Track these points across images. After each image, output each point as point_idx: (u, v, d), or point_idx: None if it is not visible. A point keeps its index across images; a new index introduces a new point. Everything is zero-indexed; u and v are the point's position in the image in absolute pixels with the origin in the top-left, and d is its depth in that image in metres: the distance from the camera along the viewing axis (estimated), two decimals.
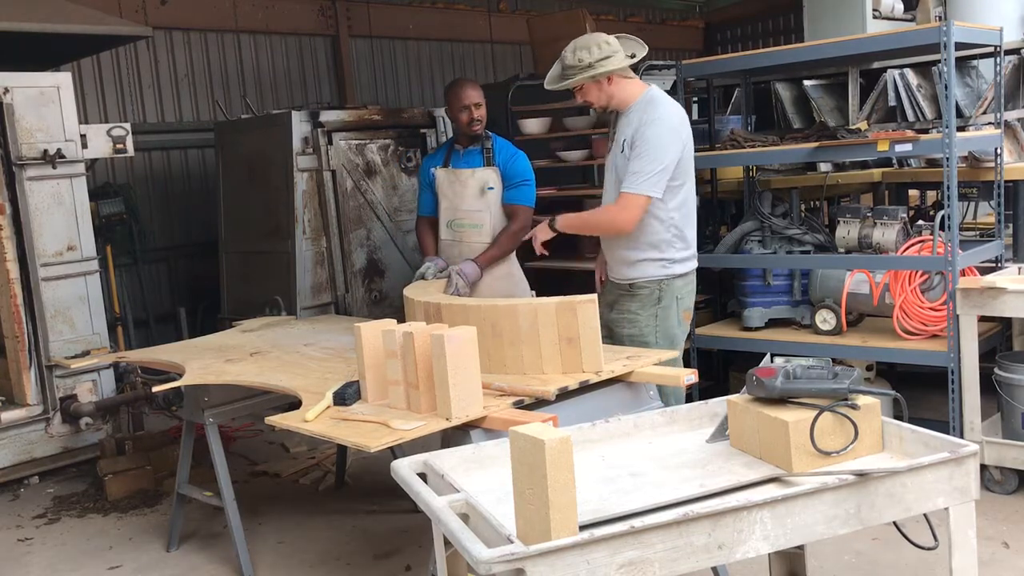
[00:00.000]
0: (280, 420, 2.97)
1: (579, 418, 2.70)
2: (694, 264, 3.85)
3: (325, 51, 9.32)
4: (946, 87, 4.00)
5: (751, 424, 2.26)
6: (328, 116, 6.46)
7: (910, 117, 5.22)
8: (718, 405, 2.52)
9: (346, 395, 3.06)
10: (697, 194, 3.90)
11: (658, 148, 3.59)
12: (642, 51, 3.69)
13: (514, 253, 4.57)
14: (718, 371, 5.59)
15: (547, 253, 3.98)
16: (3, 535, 4.62)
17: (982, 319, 4.34)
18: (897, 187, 5.96)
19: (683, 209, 3.75)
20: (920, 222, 4.89)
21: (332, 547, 4.18)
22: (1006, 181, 4.79)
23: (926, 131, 4.91)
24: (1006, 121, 4.92)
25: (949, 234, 4.06)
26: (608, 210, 3.78)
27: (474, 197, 4.50)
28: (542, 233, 3.92)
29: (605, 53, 3.62)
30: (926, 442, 2.14)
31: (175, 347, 4.47)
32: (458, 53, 10.50)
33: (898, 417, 2.29)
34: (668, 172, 3.61)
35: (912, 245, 4.37)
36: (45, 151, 5.26)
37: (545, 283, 4.89)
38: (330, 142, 6.40)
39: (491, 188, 4.48)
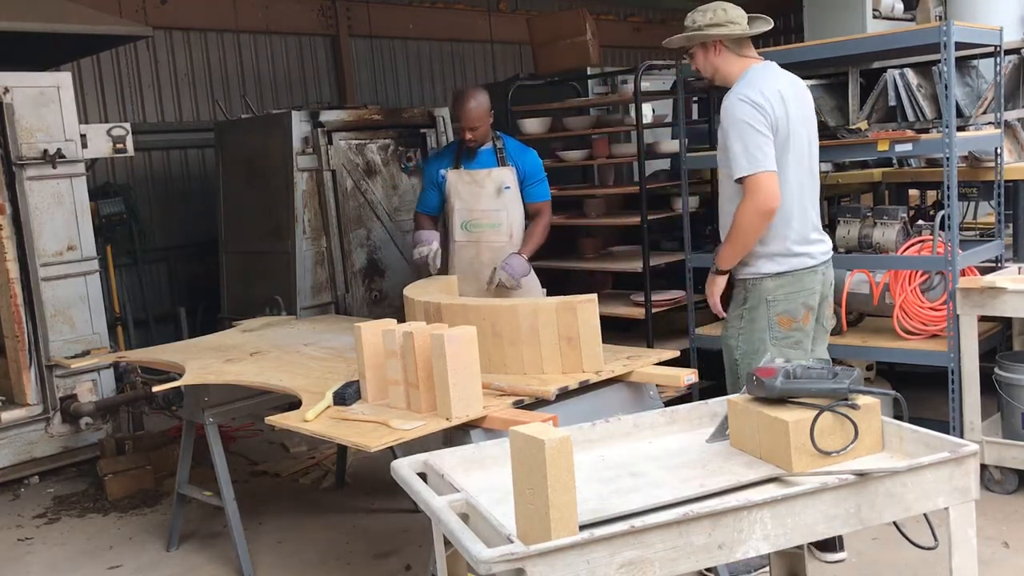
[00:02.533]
0: (280, 420, 2.97)
1: (579, 418, 2.69)
2: (801, 263, 3.43)
3: (325, 51, 9.32)
4: (946, 87, 3.99)
5: (751, 424, 2.26)
6: (328, 116, 6.46)
7: (910, 117, 5.22)
8: (718, 405, 2.52)
9: (346, 395, 3.06)
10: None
11: (744, 124, 3.29)
12: (766, 26, 3.41)
13: None
14: (718, 371, 5.58)
15: (724, 313, 3.60)
16: (3, 535, 4.62)
17: (982, 319, 4.34)
18: (897, 187, 5.96)
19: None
20: (920, 222, 4.89)
21: (332, 547, 4.18)
22: (1006, 181, 4.79)
23: (926, 131, 4.90)
24: (1006, 121, 4.92)
25: (949, 234, 4.05)
26: (742, 207, 3.34)
27: (491, 197, 4.53)
28: (717, 287, 3.55)
29: (719, 20, 3.36)
30: (926, 442, 2.14)
31: (175, 347, 4.47)
32: (458, 53, 10.50)
33: (898, 417, 2.29)
34: (768, 141, 3.28)
35: (912, 245, 4.37)
36: (45, 151, 5.26)
37: (545, 283, 4.88)
38: (330, 142, 6.40)
39: (507, 188, 4.52)
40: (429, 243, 4.45)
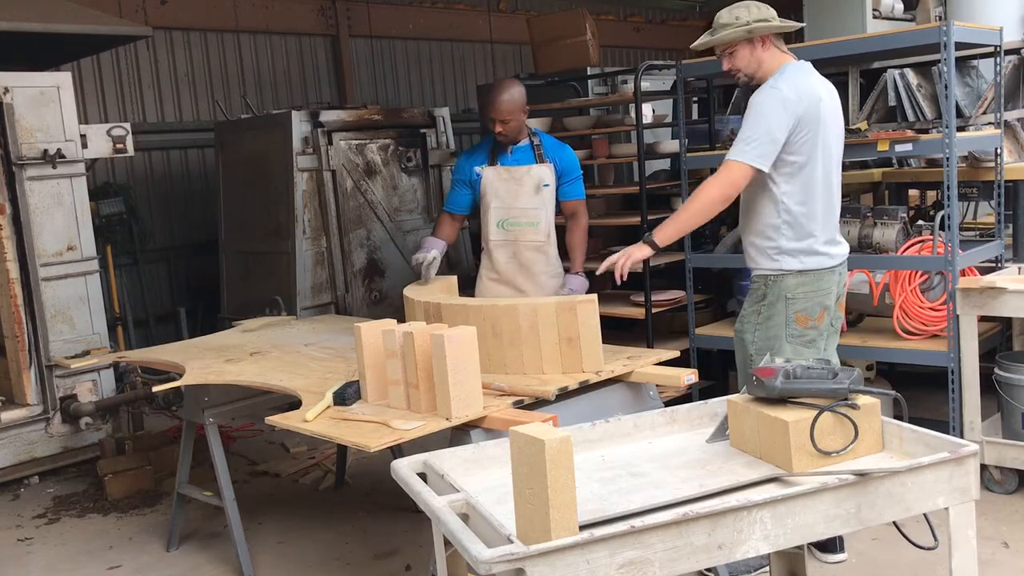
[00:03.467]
0: (280, 420, 2.97)
1: (579, 418, 2.70)
2: (822, 263, 3.41)
3: (325, 51, 9.32)
4: (946, 87, 3.99)
5: (751, 424, 2.26)
6: (328, 116, 6.46)
7: (910, 117, 5.22)
8: (718, 405, 2.52)
9: (346, 395, 3.06)
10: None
11: (761, 114, 3.29)
12: (797, 25, 3.43)
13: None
14: (718, 371, 5.58)
15: (624, 279, 3.53)
16: (3, 535, 4.62)
17: (982, 319, 4.34)
18: (897, 187, 5.95)
19: (802, 195, 3.36)
20: (920, 222, 4.89)
21: (332, 547, 4.18)
22: (1006, 181, 4.79)
23: (926, 131, 4.91)
24: (1006, 121, 4.92)
25: (949, 234, 4.06)
26: (710, 182, 3.36)
27: (529, 195, 4.40)
28: (640, 253, 3.46)
29: (764, 15, 3.36)
30: (926, 442, 2.14)
31: (175, 347, 4.46)
32: (458, 53, 10.50)
33: (898, 417, 2.29)
34: (776, 143, 3.27)
35: (912, 245, 4.37)
36: (45, 151, 5.26)
37: None
38: (330, 142, 6.40)
39: (546, 185, 4.40)
40: (428, 250, 4.31)
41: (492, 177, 4.44)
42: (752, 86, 3.52)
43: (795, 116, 3.29)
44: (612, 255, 3.49)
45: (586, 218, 4.59)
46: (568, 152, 4.52)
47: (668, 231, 3.45)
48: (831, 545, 3.56)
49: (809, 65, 3.47)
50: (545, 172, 4.41)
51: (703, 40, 3.54)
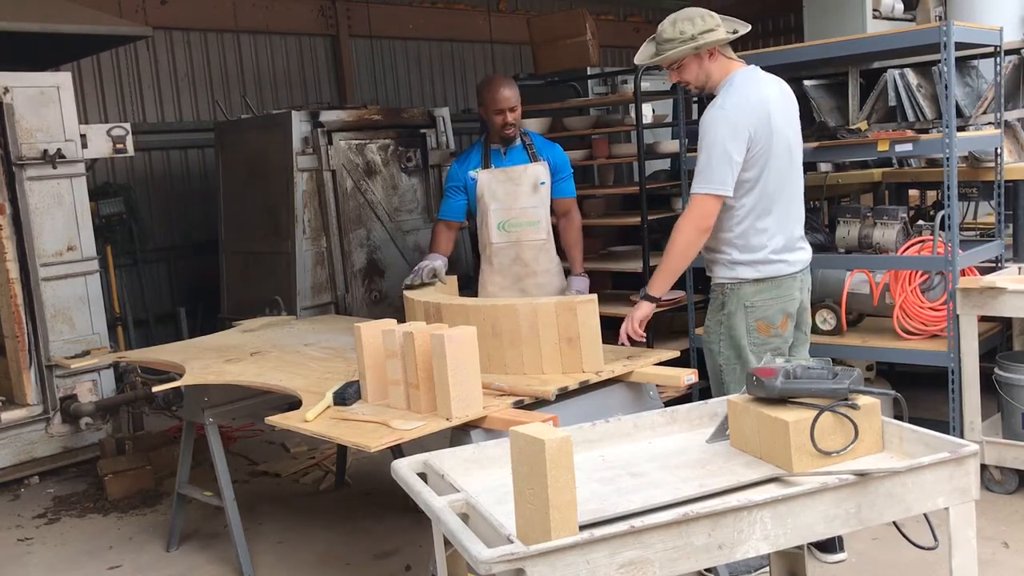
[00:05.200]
0: (280, 420, 2.97)
1: (579, 418, 2.69)
2: (779, 270, 3.39)
3: (325, 51, 9.32)
4: (946, 87, 3.99)
5: (751, 424, 2.26)
6: (328, 116, 6.46)
7: (910, 117, 5.22)
8: (718, 405, 2.52)
9: (346, 395, 3.06)
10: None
11: (714, 142, 3.26)
12: (744, 28, 3.37)
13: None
14: None
15: (644, 336, 3.56)
16: (3, 535, 4.62)
17: (982, 319, 4.34)
18: (897, 187, 5.95)
19: (758, 208, 3.35)
20: (920, 222, 4.89)
21: (332, 547, 4.18)
22: (1006, 181, 4.79)
23: (926, 131, 4.90)
24: (1006, 121, 4.92)
25: (949, 234, 4.05)
26: (683, 223, 3.36)
27: (528, 194, 4.40)
28: (641, 312, 3.48)
29: (708, 26, 3.30)
30: (926, 442, 2.14)
31: (175, 347, 4.46)
32: (458, 53, 10.50)
33: (898, 417, 2.29)
34: (734, 164, 3.25)
35: (912, 245, 4.37)
36: (45, 151, 5.26)
37: None
38: (330, 142, 6.40)
39: (543, 183, 4.41)
40: (432, 261, 4.26)
41: (489, 180, 4.42)
42: (706, 96, 3.51)
43: (746, 134, 3.26)
44: (622, 328, 3.49)
45: (579, 216, 4.62)
46: (559, 150, 4.55)
47: (660, 282, 3.47)
48: (830, 545, 3.56)
49: (757, 71, 3.43)
50: (540, 170, 4.42)
51: (647, 54, 3.49)
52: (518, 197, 4.41)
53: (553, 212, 4.54)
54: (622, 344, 3.46)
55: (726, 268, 3.44)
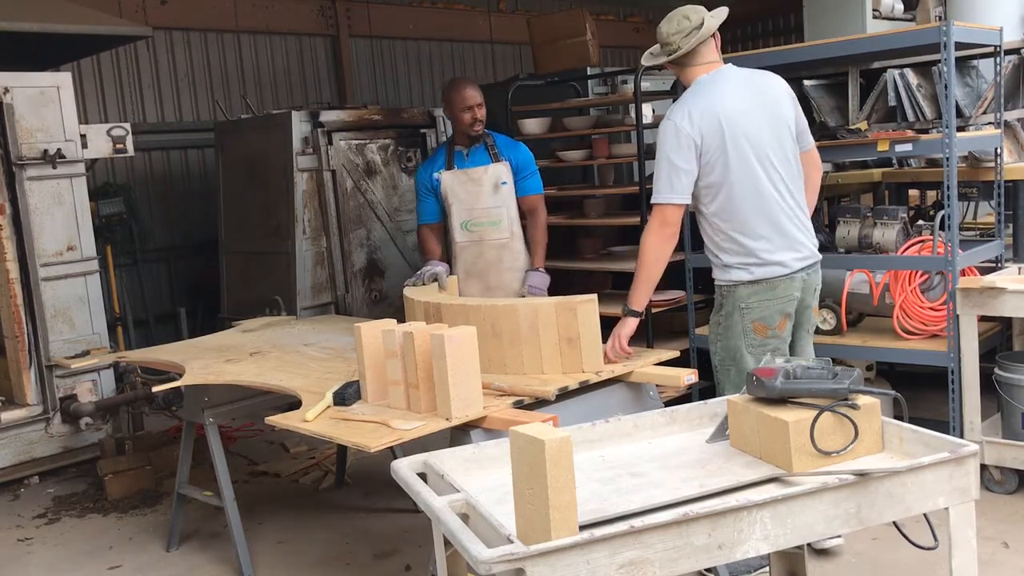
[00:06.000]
0: (280, 420, 2.97)
1: (579, 418, 2.69)
2: (773, 272, 3.38)
3: (325, 51, 9.32)
4: (946, 87, 3.99)
5: (751, 424, 2.26)
6: (328, 116, 6.46)
7: (910, 117, 5.22)
8: (718, 405, 2.52)
9: (346, 395, 3.06)
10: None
11: (661, 152, 3.35)
12: (715, 20, 3.37)
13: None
14: None
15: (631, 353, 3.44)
16: (3, 535, 4.62)
17: (982, 319, 4.34)
18: (897, 187, 5.95)
19: (728, 213, 3.37)
20: (920, 222, 4.89)
21: (332, 547, 4.18)
22: (1006, 181, 4.79)
23: (926, 131, 4.91)
24: (1006, 121, 4.92)
25: (949, 234, 4.05)
26: (647, 233, 3.41)
27: (489, 195, 4.55)
28: (627, 329, 3.41)
29: (702, 15, 3.35)
30: (926, 442, 2.14)
31: (175, 347, 4.47)
32: (458, 53, 10.51)
33: (898, 417, 2.29)
34: (686, 172, 3.30)
35: (912, 245, 4.37)
36: (45, 151, 5.26)
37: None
38: (330, 142, 6.40)
39: (504, 183, 4.55)
40: (434, 267, 4.29)
41: (451, 181, 4.57)
42: None
43: (690, 142, 3.30)
44: (607, 346, 3.33)
45: (544, 213, 4.72)
46: (522, 149, 4.69)
47: (638, 295, 3.48)
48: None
49: (725, 72, 3.41)
50: (502, 170, 4.56)
51: (649, 56, 3.56)
52: (479, 197, 4.55)
53: (520, 210, 4.65)
54: (608, 363, 3.35)
55: (721, 271, 3.48)
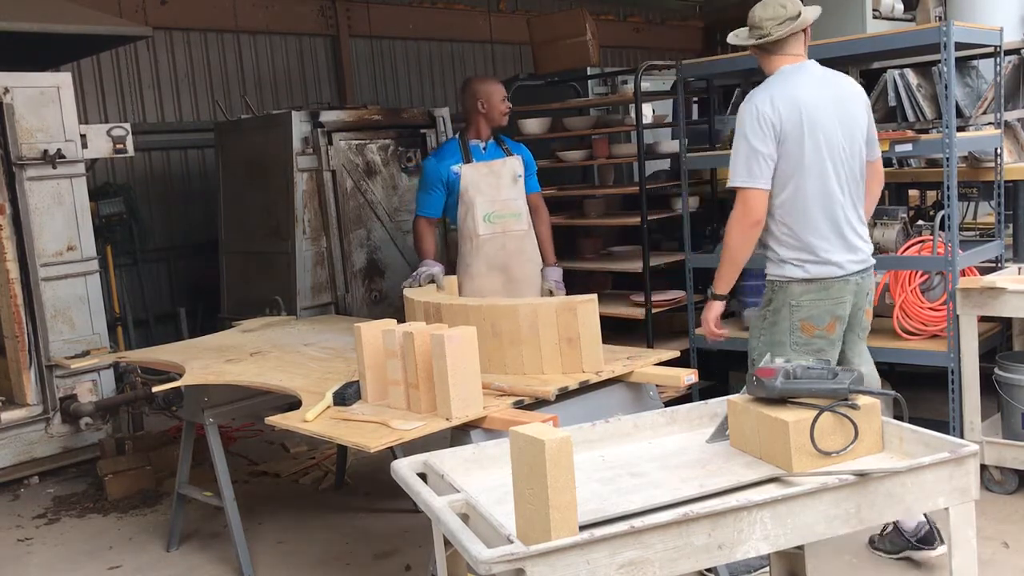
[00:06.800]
0: (280, 420, 2.97)
1: (579, 418, 2.69)
2: (830, 272, 3.33)
3: (325, 51, 9.32)
4: (946, 87, 3.99)
5: (751, 424, 2.26)
6: (328, 116, 6.46)
7: (910, 117, 5.22)
8: (718, 405, 2.52)
9: (346, 395, 3.06)
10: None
11: (740, 134, 3.30)
12: (811, 15, 3.33)
13: None
14: (718, 371, 5.58)
15: (725, 334, 3.63)
16: (3, 535, 4.62)
17: (982, 319, 4.34)
18: (897, 187, 5.95)
19: (794, 206, 3.31)
20: (920, 222, 4.89)
21: (332, 547, 4.18)
22: (1006, 181, 4.78)
23: (926, 131, 4.91)
24: (1006, 121, 4.92)
25: (949, 234, 4.06)
26: (731, 219, 3.37)
27: (509, 186, 4.62)
28: (712, 312, 3.51)
29: (766, 15, 3.32)
30: (926, 442, 2.14)
31: (175, 347, 4.47)
32: (458, 53, 10.50)
33: (898, 417, 2.29)
34: (762, 157, 3.26)
35: (912, 245, 4.37)
36: (45, 151, 5.26)
37: None
38: (330, 142, 6.40)
39: (520, 176, 4.66)
40: (430, 267, 4.31)
41: (472, 174, 4.58)
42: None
43: (771, 128, 3.27)
44: (704, 332, 3.61)
45: (547, 210, 4.88)
46: (524, 148, 4.84)
47: (722, 280, 3.47)
48: (930, 538, 3.47)
49: (807, 67, 3.40)
50: (517, 164, 4.67)
51: (742, 37, 3.49)
52: (500, 189, 4.61)
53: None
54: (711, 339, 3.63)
55: (774, 265, 3.42)
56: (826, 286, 3.34)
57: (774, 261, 3.42)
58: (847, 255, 3.37)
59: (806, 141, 3.28)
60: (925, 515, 3.38)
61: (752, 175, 3.28)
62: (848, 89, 3.47)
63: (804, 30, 3.38)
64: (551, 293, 4.65)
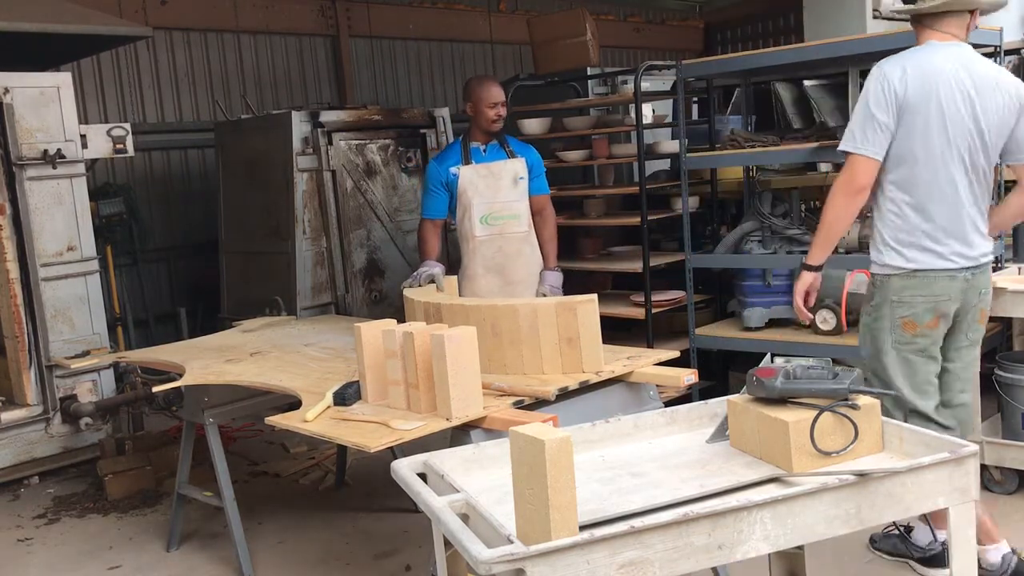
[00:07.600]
0: (280, 420, 2.97)
1: (579, 418, 2.69)
2: (933, 263, 3.12)
3: (325, 51, 9.32)
4: None
5: (751, 424, 2.26)
6: (328, 116, 6.46)
7: None
8: (718, 405, 2.52)
9: (346, 395, 3.06)
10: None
11: (862, 95, 3.11)
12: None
13: None
14: (718, 371, 5.59)
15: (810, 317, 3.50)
16: (3, 535, 4.62)
17: None
18: None
19: (906, 184, 3.11)
20: None
21: (332, 547, 4.18)
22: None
23: None
24: None
25: None
26: (835, 183, 3.19)
27: (509, 188, 4.62)
28: (801, 284, 3.34)
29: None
30: (926, 442, 2.14)
31: (175, 347, 4.47)
32: (458, 53, 10.50)
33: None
34: (878, 125, 3.07)
35: None
36: (45, 151, 5.26)
37: None
38: (330, 142, 6.40)
39: (522, 178, 4.65)
40: (431, 268, 4.27)
41: (471, 175, 4.59)
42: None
43: (894, 96, 3.07)
44: (795, 306, 3.40)
45: (553, 213, 4.85)
46: (533, 150, 4.80)
47: (816, 252, 3.32)
48: (938, 561, 3.39)
49: (960, 48, 3.16)
50: (519, 166, 4.64)
51: (895, 6, 3.38)
52: (499, 191, 4.60)
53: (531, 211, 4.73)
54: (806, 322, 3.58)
55: (877, 252, 3.24)
56: (930, 280, 3.13)
57: (877, 247, 3.23)
58: (957, 247, 3.15)
59: (932, 118, 3.08)
60: (940, 541, 3.38)
61: (866, 139, 3.10)
62: (998, 81, 3.18)
63: (971, 13, 3.16)
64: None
